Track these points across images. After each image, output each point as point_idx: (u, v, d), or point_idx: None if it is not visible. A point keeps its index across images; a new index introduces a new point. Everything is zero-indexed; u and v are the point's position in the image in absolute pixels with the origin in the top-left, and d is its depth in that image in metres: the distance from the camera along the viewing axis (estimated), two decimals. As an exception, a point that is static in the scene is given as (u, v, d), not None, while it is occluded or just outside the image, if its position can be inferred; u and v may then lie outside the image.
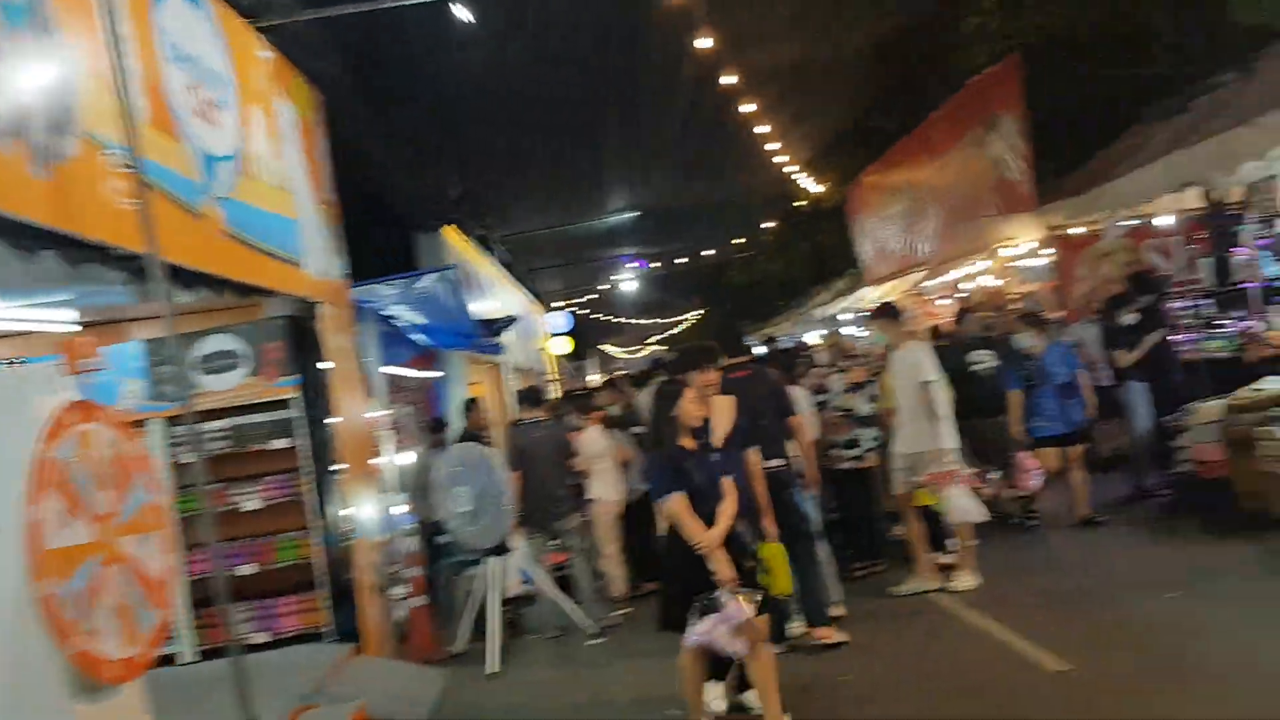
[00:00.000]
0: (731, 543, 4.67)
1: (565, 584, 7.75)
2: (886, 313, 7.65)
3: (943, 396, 6.77)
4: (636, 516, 7.96)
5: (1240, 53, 9.26)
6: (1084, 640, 5.34)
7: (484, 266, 15.67)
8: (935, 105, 13.57)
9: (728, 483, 4.75)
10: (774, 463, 5.80)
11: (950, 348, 7.78)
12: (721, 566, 4.52)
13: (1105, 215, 9.83)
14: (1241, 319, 8.51)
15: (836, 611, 6.23)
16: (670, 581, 4.87)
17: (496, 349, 11.77)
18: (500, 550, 7.21)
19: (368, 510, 6.86)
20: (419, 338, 8.91)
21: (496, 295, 16.49)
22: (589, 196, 18.37)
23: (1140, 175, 9.00)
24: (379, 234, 10.26)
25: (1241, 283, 8.42)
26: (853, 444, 7.69)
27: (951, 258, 12.93)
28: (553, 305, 27.42)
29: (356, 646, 6.31)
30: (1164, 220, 10.03)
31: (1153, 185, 8.83)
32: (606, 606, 7.72)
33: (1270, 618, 5.24)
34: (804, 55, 12.94)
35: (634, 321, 41.58)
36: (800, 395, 6.91)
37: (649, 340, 47.98)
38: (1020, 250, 11.92)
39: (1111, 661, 5.02)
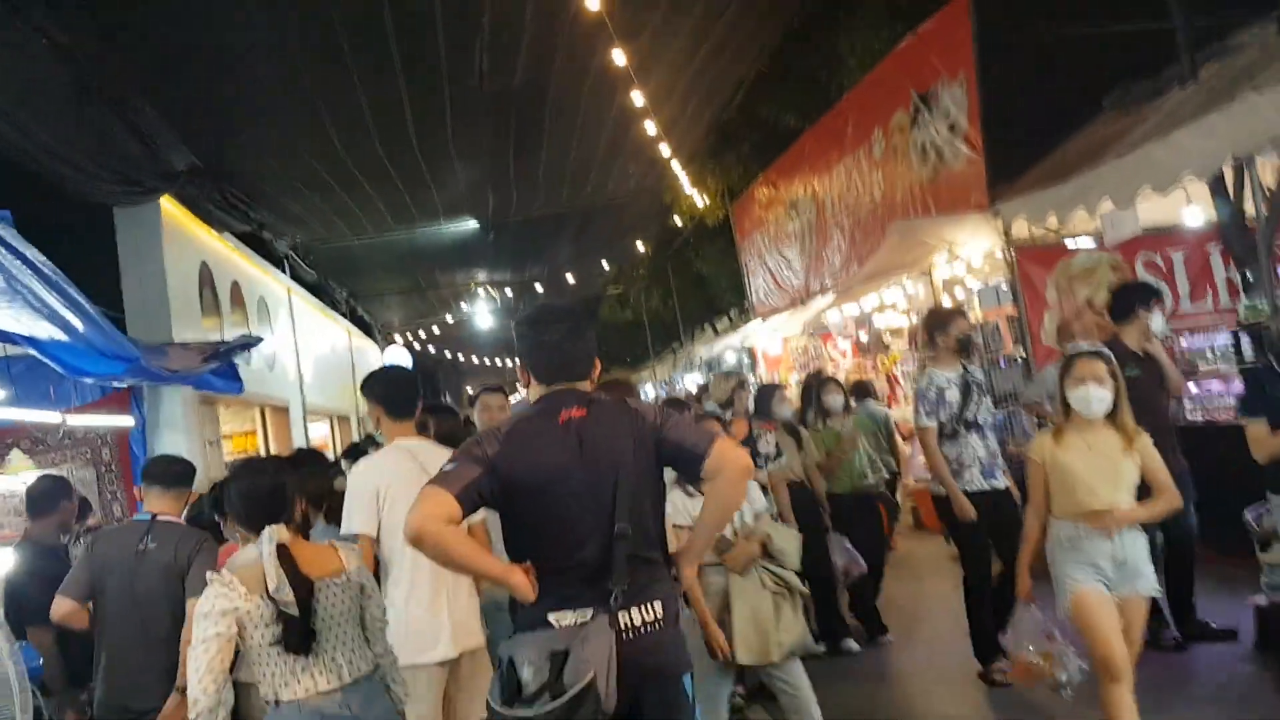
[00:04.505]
0: None
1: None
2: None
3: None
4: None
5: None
6: None
7: (254, 275, 11.88)
8: (847, 83, 10.55)
9: None
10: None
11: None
12: None
13: (1084, 218, 6.89)
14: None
15: None
16: None
17: (225, 383, 7.93)
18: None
19: None
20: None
21: (279, 318, 12.72)
22: (420, 206, 14.62)
23: (1145, 154, 6.05)
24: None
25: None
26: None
27: (868, 279, 9.88)
28: (392, 340, 23.51)
29: None
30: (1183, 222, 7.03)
31: (1164, 167, 5.86)
32: None
33: None
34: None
35: (498, 364, 37.53)
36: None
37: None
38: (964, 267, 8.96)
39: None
